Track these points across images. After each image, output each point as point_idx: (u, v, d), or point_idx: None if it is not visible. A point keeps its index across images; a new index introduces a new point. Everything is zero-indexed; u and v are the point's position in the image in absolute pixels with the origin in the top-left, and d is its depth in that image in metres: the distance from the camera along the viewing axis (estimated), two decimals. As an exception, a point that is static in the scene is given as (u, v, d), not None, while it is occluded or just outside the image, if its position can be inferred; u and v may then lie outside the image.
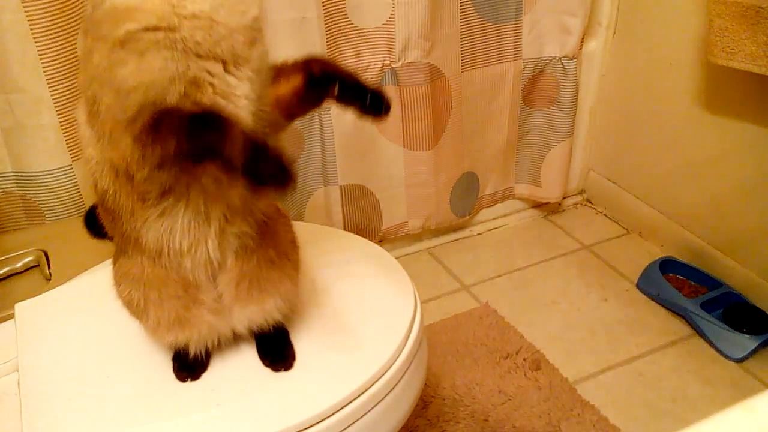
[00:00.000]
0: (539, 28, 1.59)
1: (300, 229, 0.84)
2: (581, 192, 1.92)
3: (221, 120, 0.63)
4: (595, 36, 1.68)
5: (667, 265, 1.58)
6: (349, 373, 0.78)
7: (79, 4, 1.11)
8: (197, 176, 0.68)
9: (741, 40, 1.22)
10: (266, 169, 0.61)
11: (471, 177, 1.72)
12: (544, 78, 1.66)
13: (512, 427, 1.23)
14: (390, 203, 1.63)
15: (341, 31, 1.39)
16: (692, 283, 1.56)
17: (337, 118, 1.45)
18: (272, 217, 0.78)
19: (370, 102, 0.66)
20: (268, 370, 0.79)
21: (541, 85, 1.67)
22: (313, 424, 0.73)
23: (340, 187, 1.54)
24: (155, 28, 0.61)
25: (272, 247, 0.78)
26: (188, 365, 0.79)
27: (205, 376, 0.79)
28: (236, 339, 0.81)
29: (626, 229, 1.80)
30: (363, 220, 1.62)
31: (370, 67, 1.45)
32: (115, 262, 0.79)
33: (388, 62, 1.46)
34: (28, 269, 1.08)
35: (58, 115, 1.16)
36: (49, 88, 1.13)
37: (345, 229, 1.57)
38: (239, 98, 0.66)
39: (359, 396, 0.76)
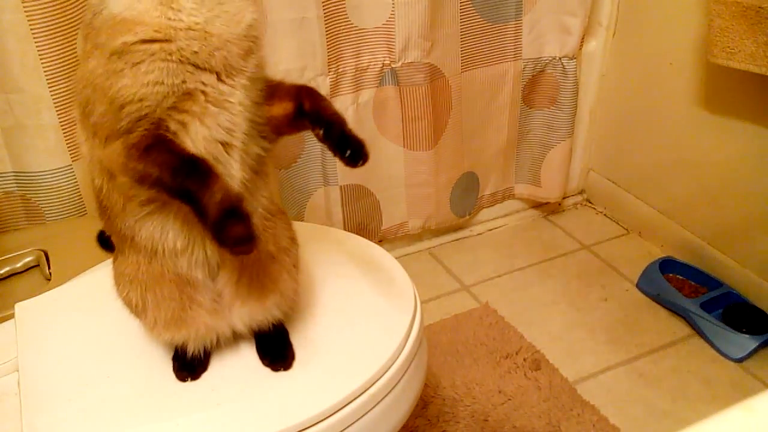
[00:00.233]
0: (539, 28, 1.59)
1: (300, 229, 0.84)
2: (581, 192, 1.92)
3: (209, 173, 0.65)
4: (595, 36, 1.68)
5: (667, 265, 1.58)
6: (349, 373, 0.78)
7: (79, 4, 1.11)
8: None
9: (741, 40, 1.22)
10: (234, 232, 0.62)
11: (471, 177, 1.72)
12: (544, 78, 1.66)
13: (512, 427, 1.23)
14: (390, 203, 1.63)
15: (341, 31, 1.39)
16: (692, 283, 1.55)
17: (337, 118, 1.45)
18: (272, 213, 0.78)
19: (350, 155, 0.70)
20: (267, 370, 0.79)
21: (541, 85, 1.67)
22: (313, 424, 0.73)
23: (340, 187, 1.54)
24: (151, 41, 0.63)
25: (272, 243, 0.78)
26: (188, 365, 0.79)
27: (205, 376, 0.79)
28: (236, 339, 0.81)
29: (626, 229, 1.79)
30: (363, 220, 1.62)
31: (370, 67, 1.45)
32: (114, 262, 0.79)
33: (388, 62, 1.46)
34: (28, 269, 1.08)
35: (58, 115, 1.16)
36: (49, 88, 1.13)
37: (345, 229, 1.57)
38: (234, 105, 0.68)
39: (359, 396, 0.76)
